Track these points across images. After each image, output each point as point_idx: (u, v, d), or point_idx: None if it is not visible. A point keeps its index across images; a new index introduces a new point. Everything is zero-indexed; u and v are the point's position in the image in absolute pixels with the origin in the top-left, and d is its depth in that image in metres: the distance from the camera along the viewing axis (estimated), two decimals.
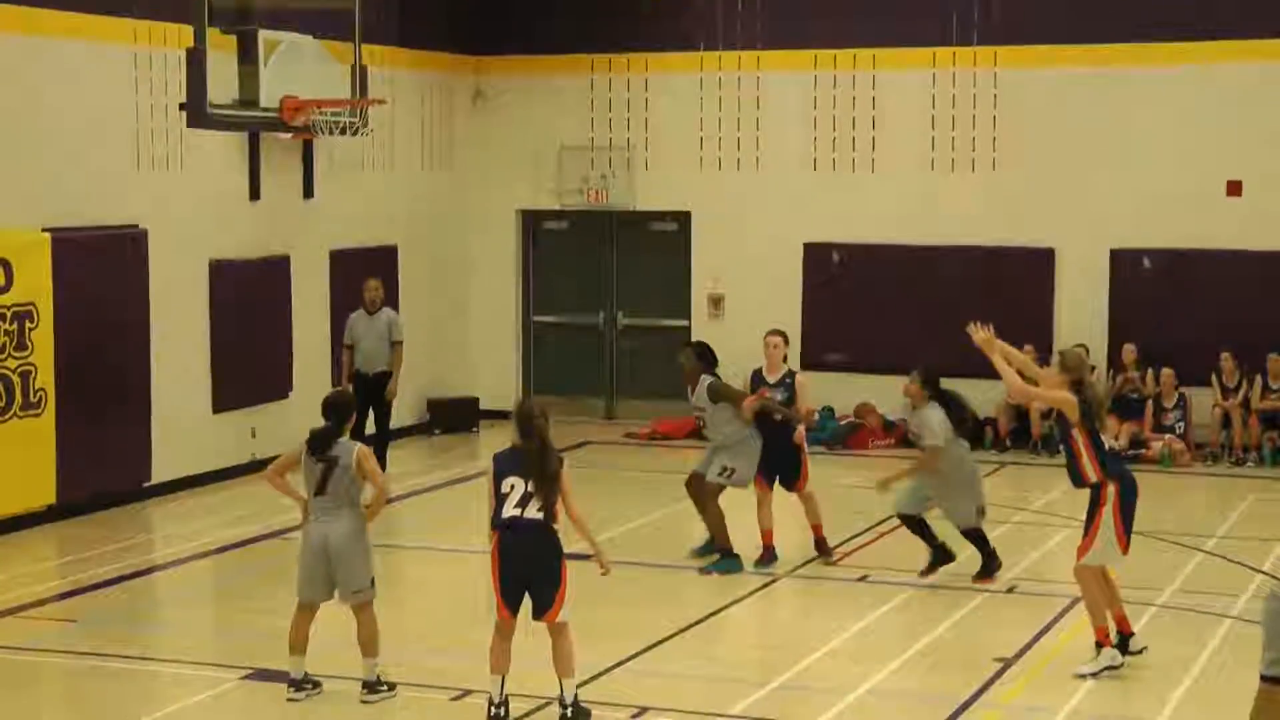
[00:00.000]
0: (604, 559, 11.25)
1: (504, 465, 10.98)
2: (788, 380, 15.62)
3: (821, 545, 15.71)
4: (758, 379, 15.69)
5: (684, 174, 23.56)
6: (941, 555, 14.96)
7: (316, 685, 11.61)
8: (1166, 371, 21.17)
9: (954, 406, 14.92)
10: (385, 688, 11.59)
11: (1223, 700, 11.72)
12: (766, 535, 15.55)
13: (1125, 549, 12.32)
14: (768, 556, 15.44)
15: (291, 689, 11.55)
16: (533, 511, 10.84)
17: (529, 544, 10.85)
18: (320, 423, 11.60)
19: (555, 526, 10.92)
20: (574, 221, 24.52)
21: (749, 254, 23.25)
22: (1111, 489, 12.26)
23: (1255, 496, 19.04)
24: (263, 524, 16.85)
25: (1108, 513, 12.21)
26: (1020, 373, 12.79)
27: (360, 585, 11.53)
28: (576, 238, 24.62)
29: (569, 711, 10.90)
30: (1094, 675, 12.06)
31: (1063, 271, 22.10)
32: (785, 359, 15.91)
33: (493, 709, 10.90)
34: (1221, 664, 12.66)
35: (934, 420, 14.75)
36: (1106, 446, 12.49)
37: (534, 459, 10.88)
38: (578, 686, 11.05)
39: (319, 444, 11.50)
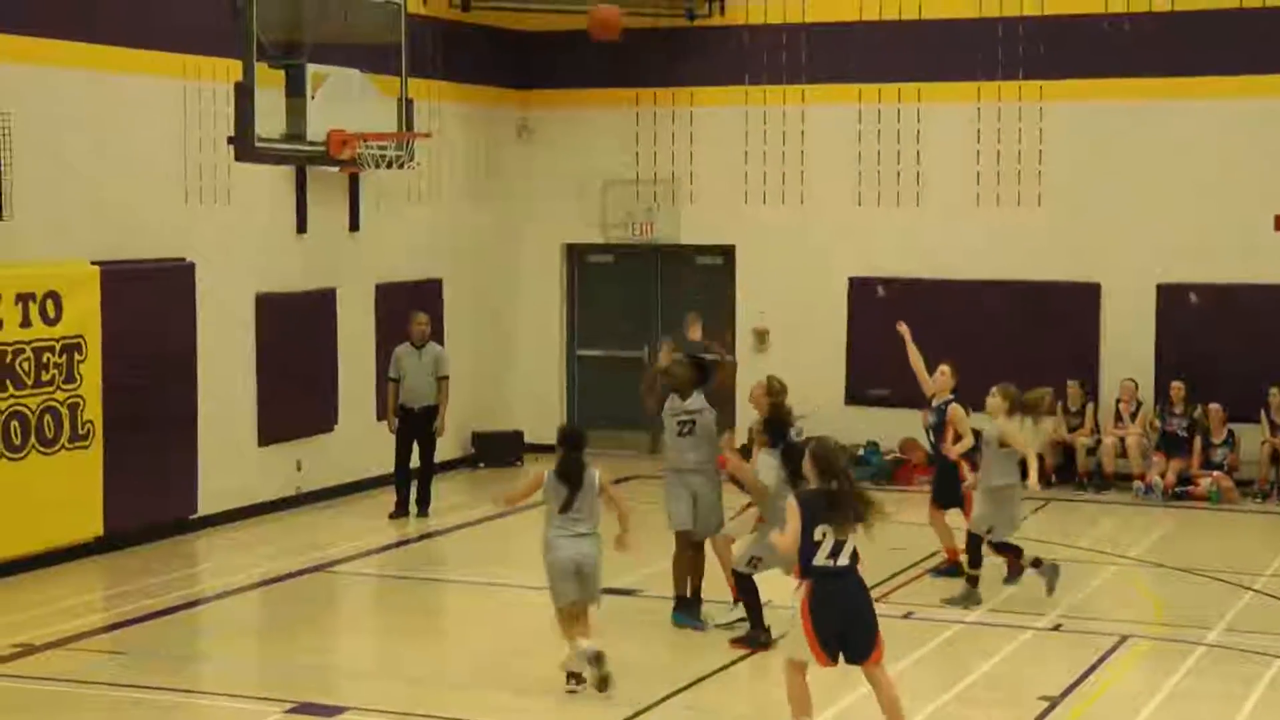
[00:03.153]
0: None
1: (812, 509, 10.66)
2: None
3: None
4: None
5: (728, 208, 23.56)
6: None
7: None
8: (1214, 407, 21.02)
9: (791, 458, 13.23)
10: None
11: None
12: None
13: None
14: None
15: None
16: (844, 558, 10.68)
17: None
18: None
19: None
20: (618, 255, 24.54)
21: (794, 288, 23.22)
22: None
23: None
24: (308, 557, 16.85)
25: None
26: None
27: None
28: (621, 271, 24.64)
29: None
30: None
31: (1108, 306, 21.99)
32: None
33: None
34: (1271, 704, 12.53)
35: (768, 463, 13.88)
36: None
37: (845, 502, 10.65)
38: None
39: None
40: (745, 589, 13.81)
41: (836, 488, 10.63)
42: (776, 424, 14.10)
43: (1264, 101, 21.19)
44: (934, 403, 16.41)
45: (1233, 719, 12.11)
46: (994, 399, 15.58)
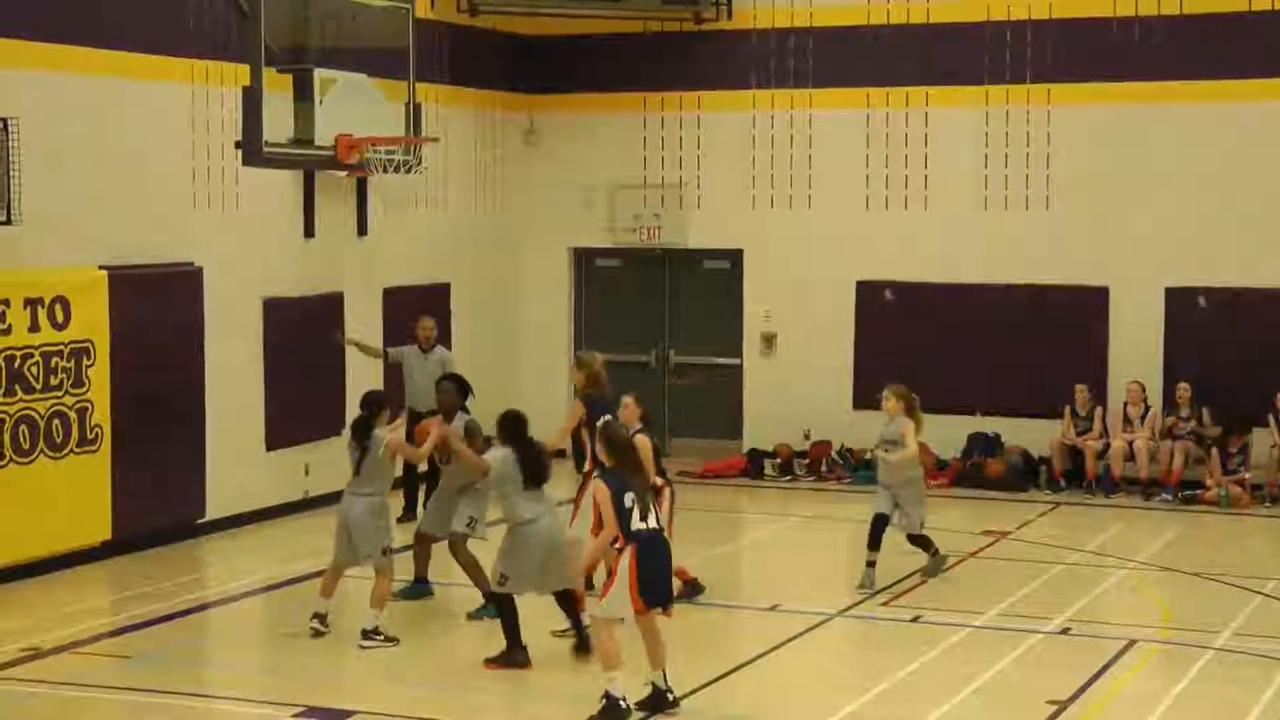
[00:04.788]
0: None
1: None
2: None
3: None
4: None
5: (736, 212, 23.60)
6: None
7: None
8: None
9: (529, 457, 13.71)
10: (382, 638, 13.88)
11: None
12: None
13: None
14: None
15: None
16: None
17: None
18: None
19: None
20: (626, 259, 24.58)
21: (801, 292, 23.25)
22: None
23: None
24: (316, 561, 16.86)
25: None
26: None
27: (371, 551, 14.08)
28: (628, 276, 24.68)
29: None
30: None
31: (1116, 310, 22.00)
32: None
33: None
34: (1278, 708, 12.54)
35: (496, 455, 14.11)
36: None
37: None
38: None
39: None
40: (504, 610, 13.43)
41: (629, 462, 12.23)
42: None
43: (1274, 104, 21.20)
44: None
45: None
46: (890, 401, 16.37)
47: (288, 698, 12.44)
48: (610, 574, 12.26)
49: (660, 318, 24.57)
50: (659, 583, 11.99)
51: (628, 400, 15.15)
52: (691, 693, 12.62)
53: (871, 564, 16.15)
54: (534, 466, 13.50)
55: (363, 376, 20.67)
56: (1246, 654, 13.92)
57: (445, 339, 20.72)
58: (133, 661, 13.80)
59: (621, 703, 11.74)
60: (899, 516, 16.27)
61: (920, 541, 16.47)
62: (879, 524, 16.21)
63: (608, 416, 14.50)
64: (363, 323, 20.88)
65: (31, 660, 13.62)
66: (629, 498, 11.96)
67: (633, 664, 12.08)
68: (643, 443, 13.92)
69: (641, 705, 12.05)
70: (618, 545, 12.00)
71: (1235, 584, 16.42)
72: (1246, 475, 20.67)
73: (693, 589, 15.36)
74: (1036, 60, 22.16)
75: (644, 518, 11.98)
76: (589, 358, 16.06)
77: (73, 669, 13.45)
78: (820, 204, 23.21)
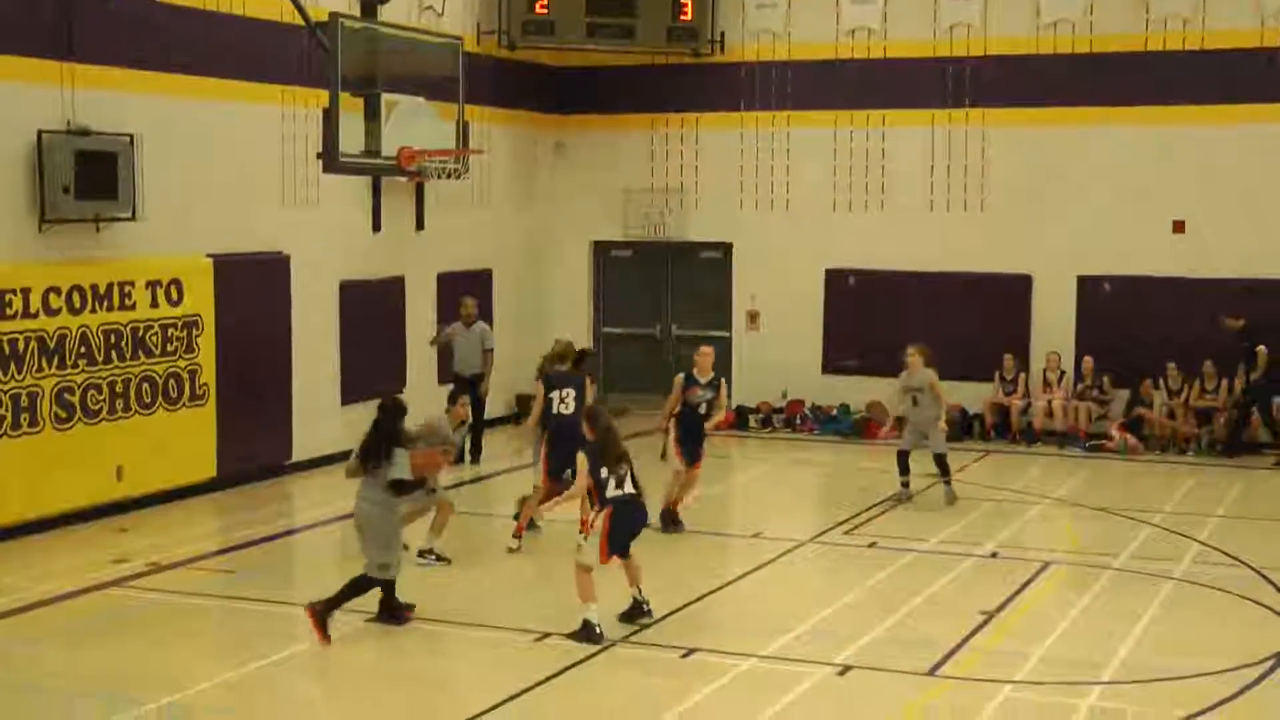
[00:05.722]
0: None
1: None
2: (714, 382, 15.55)
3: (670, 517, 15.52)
4: (690, 380, 15.49)
5: (727, 212, 23.61)
6: None
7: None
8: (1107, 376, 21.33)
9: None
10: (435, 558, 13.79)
11: (1169, 644, 11.76)
12: (674, 503, 15.53)
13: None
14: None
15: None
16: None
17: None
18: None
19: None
20: (637, 250, 24.60)
21: (780, 278, 23.28)
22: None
23: (1195, 480, 18.97)
24: None
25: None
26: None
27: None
28: (639, 264, 24.70)
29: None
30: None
31: (1038, 294, 22.05)
32: (713, 366, 15.67)
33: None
34: (1163, 617, 12.66)
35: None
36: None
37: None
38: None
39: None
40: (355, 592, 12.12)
41: (609, 439, 11.96)
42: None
43: (1166, 128, 21.20)
44: None
45: (1134, 628, 12.22)
46: (914, 357, 16.88)
47: (361, 607, 12.38)
48: (584, 525, 12.71)
49: (664, 298, 24.61)
50: (625, 540, 11.95)
51: (706, 350, 15.77)
52: (683, 607, 12.74)
53: (905, 484, 16.84)
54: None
55: (421, 343, 20.81)
56: (1140, 573, 14.03)
57: (487, 316, 20.81)
58: (235, 575, 13.98)
59: (596, 627, 11.70)
60: (924, 441, 16.82)
61: (942, 463, 16.81)
62: (904, 457, 16.92)
63: (589, 401, 14.59)
64: (419, 301, 20.99)
65: (154, 573, 13.78)
66: (604, 471, 11.86)
67: (607, 595, 12.18)
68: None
69: (623, 616, 12.14)
70: (595, 507, 11.99)
71: (1131, 516, 16.50)
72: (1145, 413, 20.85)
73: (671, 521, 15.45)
74: (975, 90, 22.13)
75: (619, 485, 11.88)
76: (557, 342, 15.96)
77: (187, 581, 13.62)
78: (796, 206, 23.23)
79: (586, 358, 16.01)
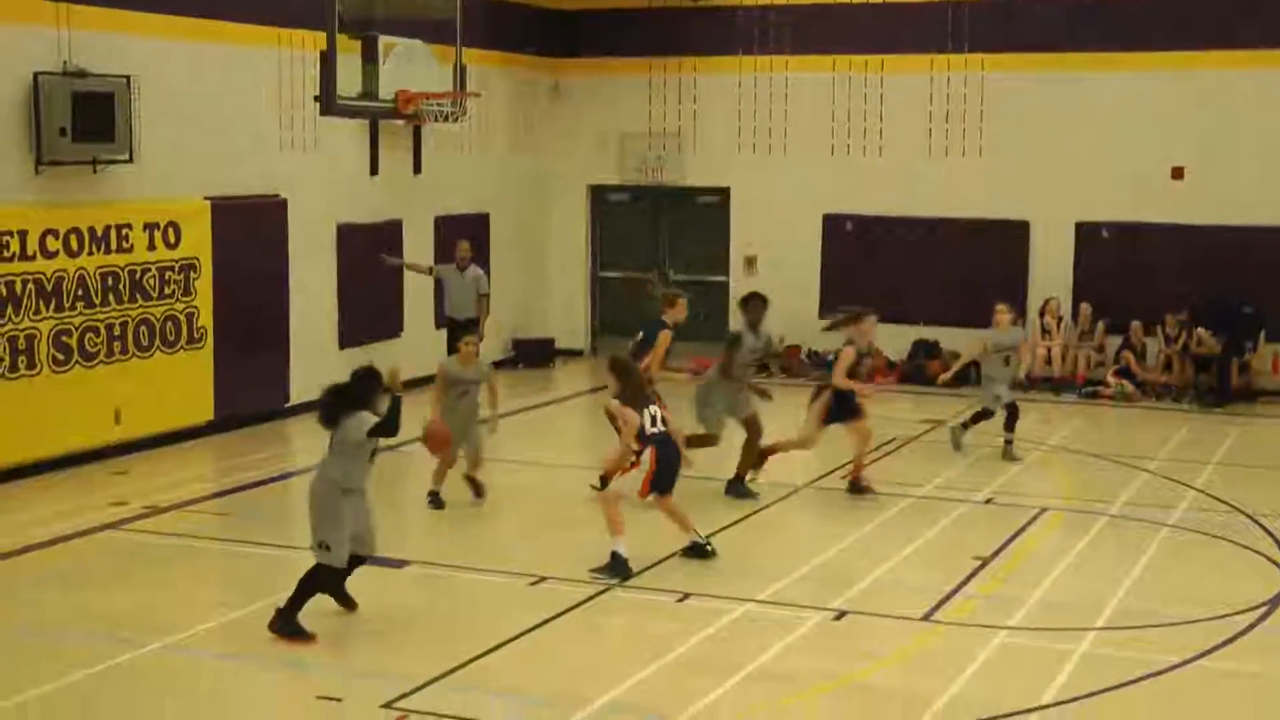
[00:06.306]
0: None
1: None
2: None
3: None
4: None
5: (725, 156, 23.59)
6: None
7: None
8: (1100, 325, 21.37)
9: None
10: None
11: (1164, 590, 11.84)
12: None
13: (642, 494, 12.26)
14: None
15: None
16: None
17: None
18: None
19: None
20: (634, 195, 24.59)
21: (777, 223, 23.29)
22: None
23: (1188, 427, 19.04)
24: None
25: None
26: None
27: None
28: (635, 208, 24.69)
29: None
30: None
31: (1035, 240, 22.06)
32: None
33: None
34: (1156, 564, 12.73)
35: None
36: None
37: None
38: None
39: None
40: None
41: (638, 384, 12.33)
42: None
43: (1166, 74, 21.17)
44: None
45: (1128, 574, 12.29)
46: (1005, 315, 16.72)
47: (357, 549, 12.58)
48: (609, 474, 12.85)
49: (661, 243, 24.61)
50: (670, 477, 12.24)
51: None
52: (681, 551, 12.78)
53: (965, 426, 16.84)
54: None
55: (417, 288, 20.83)
56: (1134, 519, 14.11)
57: (485, 259, 20.80)
58: (232, 517, 14.05)
59: (626, 560, 11.89)
60: (996, 401, 16.63)
61: (1014, 415, 16.62)
62: (983, 417, 16.76)
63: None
64: (417, 245, 20.98)
65: (151, 515, 13.83)
66: (645, 413, 12.11)
67: (635, 531, 12.26)
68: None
69: (686, 553, 12.46)
70: (635, 449, 12.16)
71: (1126, 463, 16.58)
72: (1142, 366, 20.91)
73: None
74: (974, 35, 22.08)
75: (654, 424, 12.13)
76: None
77: (185, 522, 13.67)
78: (794, 150, 23.21)
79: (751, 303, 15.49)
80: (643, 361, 14.12)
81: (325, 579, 10.61)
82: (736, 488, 14.92)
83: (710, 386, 14.97)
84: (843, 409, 14.91)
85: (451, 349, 19.27)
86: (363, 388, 10.57)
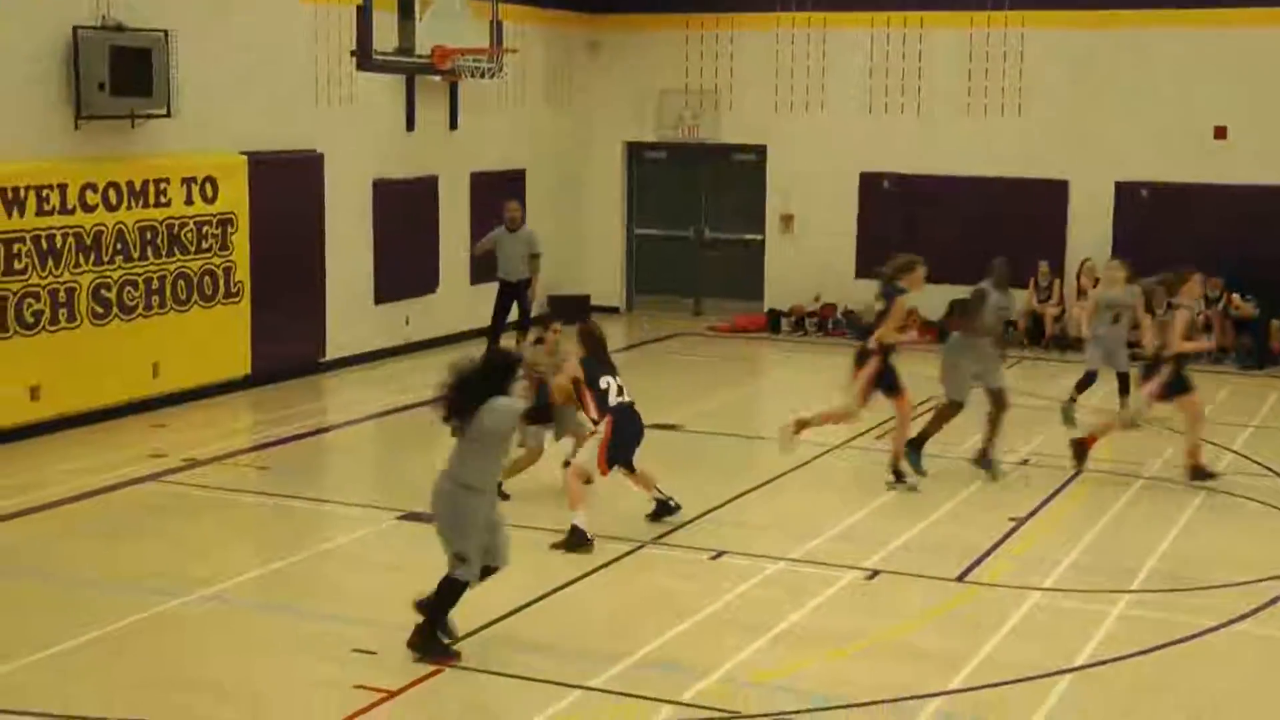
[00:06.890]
0: None
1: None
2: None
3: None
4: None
5: (762, 114, 23.51)
6: None
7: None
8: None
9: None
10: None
11: (1199, 554, 11.82)
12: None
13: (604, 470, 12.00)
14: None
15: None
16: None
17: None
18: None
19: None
20: (670, 152, 24.53)
21: (814, 181, 23.22)
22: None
23: (1229, 389, 18.94)
24: (416, 395, 17.08)
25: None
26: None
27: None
28: (672, 166, 24.64)
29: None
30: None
31: (1074, 200, 21.95)
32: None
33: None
34: (1191, 530, 12.69)
35: None
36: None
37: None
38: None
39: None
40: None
41: (601, 351, 12.02)
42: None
43: (1209, 31, 20.99)
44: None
45: (1162, 540, 12.26)
46: (1121, 271, 16.18)
47: (393, 504, 12.67)
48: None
49: (698, 201, 24.57)
50: (629, 449, 12.04)
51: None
52: (715, 509, 12.85)
53: (1074, 400, 16.39)
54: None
55: (454, 244, 20.85)
56: (1171, 483, 14.09)
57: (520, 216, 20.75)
58: (269, 471, 14.14)
59: (585, 532, 11.64)
60: (1108, 361, 16.36)
61: (1126, 382, 16.25)
62: (1091, 379, 16.51)
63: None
64: (453, 201, 21.00)
65: (191, 468, 13.94)
66: (604, 380, 11.94)
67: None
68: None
69: (651, 516, 12.32)
70: (595, 418, 11.99)
71: (1164, 426, 16.50)
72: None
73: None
74: None
75: (620, 394, 11.95)
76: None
77: (223, 475, 13.78)
78: (831, 108, 23.11)
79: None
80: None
81: (459, 592, 9.46)
82: (983, 462, 14.26)
83: (958, 349, 14.38)
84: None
85: (500, 309, 19.17)
86: (502, 378, 9.46)
